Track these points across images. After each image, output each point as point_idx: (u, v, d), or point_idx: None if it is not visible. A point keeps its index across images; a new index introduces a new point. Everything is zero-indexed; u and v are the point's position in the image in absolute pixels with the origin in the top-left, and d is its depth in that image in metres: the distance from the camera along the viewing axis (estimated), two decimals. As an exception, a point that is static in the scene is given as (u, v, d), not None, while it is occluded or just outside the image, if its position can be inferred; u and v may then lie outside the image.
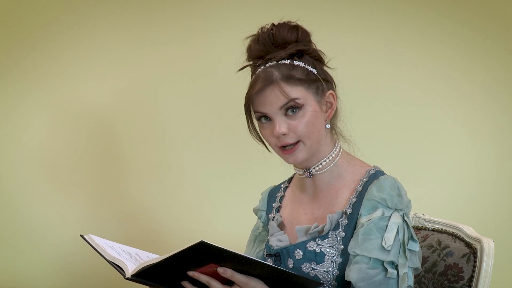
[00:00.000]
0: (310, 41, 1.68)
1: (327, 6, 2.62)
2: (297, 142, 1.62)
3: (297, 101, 1.60)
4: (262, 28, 1.67)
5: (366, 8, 2.63)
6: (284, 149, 1.63)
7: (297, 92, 1.60)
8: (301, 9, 2.54)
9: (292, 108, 1.60)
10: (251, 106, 1.64)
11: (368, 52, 2.62)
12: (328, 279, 1.61)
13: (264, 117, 1.63)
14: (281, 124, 1.61)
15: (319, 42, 1.69)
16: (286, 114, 1.61)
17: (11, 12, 2.57)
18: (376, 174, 1.66)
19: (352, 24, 2.63)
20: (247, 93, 1.63)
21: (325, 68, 1.70)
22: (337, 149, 1.69)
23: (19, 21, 2.57)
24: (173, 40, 2.61)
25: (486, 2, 2.61)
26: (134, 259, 1.61)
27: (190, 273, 1.48)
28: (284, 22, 1.67)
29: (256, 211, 1.87)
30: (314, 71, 1.64)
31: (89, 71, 2.60)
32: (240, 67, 1.70)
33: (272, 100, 1.60)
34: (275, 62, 1.63)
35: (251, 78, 1.66)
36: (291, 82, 1.60)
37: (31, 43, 2.58)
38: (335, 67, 1.71)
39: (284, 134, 1.61)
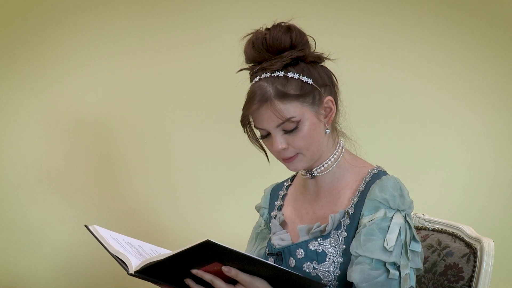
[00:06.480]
0: (306, 42, 1.64)
1: (328, 9, 2.62)
2: (296, 154, 1.62)
3: (293, 119, 1.59)
4: (256, 31, 1.64)
5: (367, 11, 2.63)
6: (285, 160, 1.64)
7: (292, 109, 1.59)
8: (303, 10, 2.54)
9: (288, 125, 1.60)
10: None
11: (368, 54, 2.62)
12: (329, 279, 1.61)
13: (263, 131, 1.63)
14: (279, 141, 1.61)
15: (321, 44, 1.67)
16: (283, 130, 1.61)
17: (10, 17, 2.57)
18: (378, 174, 1.66)
19: (354, 27, 2.63)
20: (243, 109, 1.61)
21: (325, 64, 1.67)
22: (339, 150, 1.69)
23: (18, 26, 2.57)
24: (173, 41, 2.61)
25: (486, 5, 2.62)
26: (138, 252, 1.61)
27: (194, 271, 1.49)
28: (278, 24, 1.63)
29: (258, 208, 1.87)
30: (310, 81, 1.61)
31: (89, 72, 2.60)
32: (239, 69, 1.68)
33: (269, 118, 1.59)
34: (270, 74, 1.60)
35: (250, 82, 1.65)
36: (286, 100, 1.58)
37: (31, 46, 2.58)
38: (335, 69, 1.69)
39: (284, 149, 1.61)
